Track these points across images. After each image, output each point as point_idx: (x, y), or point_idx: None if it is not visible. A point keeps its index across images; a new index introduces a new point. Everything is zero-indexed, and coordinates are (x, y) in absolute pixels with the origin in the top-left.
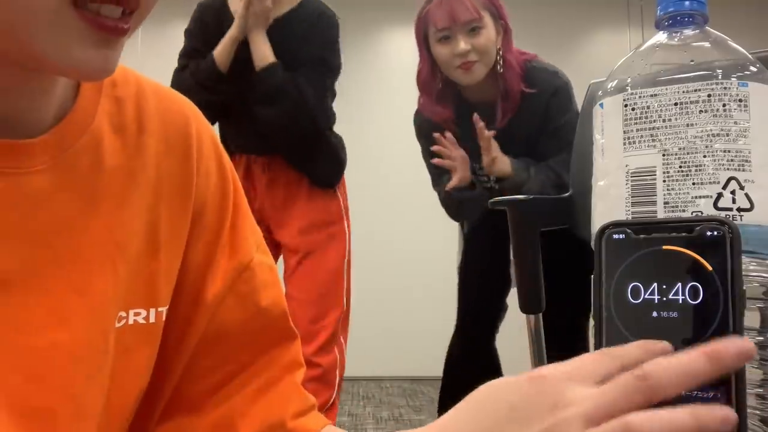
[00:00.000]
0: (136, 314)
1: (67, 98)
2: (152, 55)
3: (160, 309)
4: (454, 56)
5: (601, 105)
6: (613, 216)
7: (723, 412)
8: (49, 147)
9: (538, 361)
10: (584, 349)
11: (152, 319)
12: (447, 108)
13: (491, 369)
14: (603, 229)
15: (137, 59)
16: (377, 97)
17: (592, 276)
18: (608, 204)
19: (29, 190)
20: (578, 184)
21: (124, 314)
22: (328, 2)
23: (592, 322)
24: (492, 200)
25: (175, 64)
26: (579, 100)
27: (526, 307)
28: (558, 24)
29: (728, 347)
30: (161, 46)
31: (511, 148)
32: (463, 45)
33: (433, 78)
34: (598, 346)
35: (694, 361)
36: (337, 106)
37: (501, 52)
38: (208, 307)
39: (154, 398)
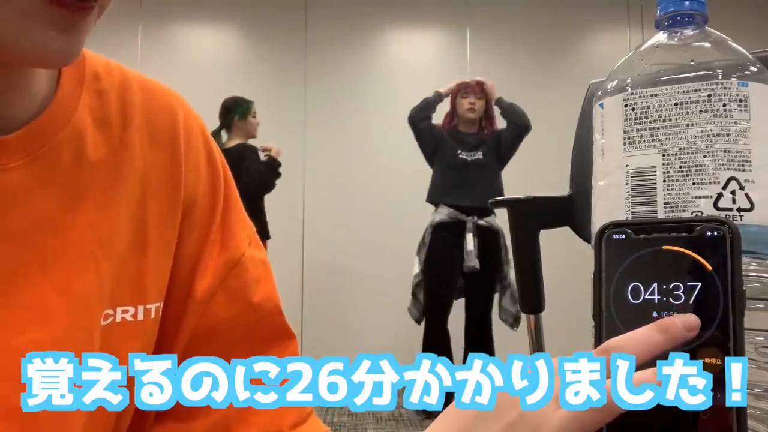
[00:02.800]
0: (124, 312)
1: (47, 93)
2: (152, 55)
3: (149, 306)
4: (467, 104)
5: (601, 105)
6: (613, 216)
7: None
8: (25, 143)
9: None
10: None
11: (140, 317)
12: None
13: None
14: (603, 229)
15: (137, 59)
16: (377, 97)
17: (592, 276)
18: (608, 204)
19: (6, 188)
20: (578, 184)
21: (111, 312)
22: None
23: (592, 323)
24: (492, 200)
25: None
26: (579, 99)
27: (526, 307)
28: (558, 24)
29: (675, 321)
30: (161, 46)
31: (483, 148)
32: (473, 98)
33: (451, 119)
34: (597, 346)
35: (649, 333)
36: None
37: (484, 115)
38: (198, 303)
39: None
